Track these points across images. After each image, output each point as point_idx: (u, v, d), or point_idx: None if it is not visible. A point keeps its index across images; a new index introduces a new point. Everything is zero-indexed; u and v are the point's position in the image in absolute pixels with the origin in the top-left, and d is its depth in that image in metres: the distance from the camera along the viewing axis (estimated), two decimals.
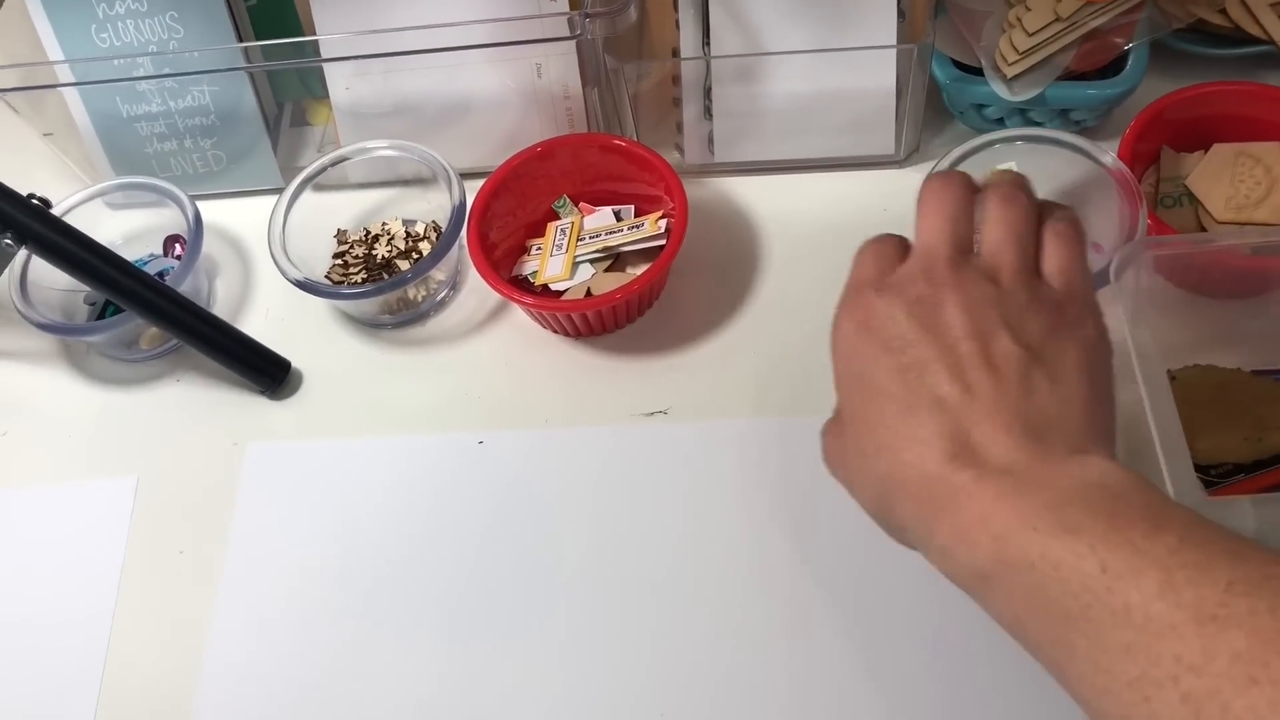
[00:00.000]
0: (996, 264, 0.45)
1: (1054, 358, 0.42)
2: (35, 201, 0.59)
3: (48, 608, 0.61)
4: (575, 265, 0.66)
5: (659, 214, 0.66)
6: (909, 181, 0.69)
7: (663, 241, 0.65)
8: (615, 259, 0.67)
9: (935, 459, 0.40)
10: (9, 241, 0.58)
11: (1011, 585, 0.37)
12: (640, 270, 0.65)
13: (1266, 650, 0.31)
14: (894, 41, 0.65)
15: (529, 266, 0.67)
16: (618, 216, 0.68)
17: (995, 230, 0.46)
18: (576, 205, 0.69)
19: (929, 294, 0.43)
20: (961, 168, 0.62)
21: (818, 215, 0.69)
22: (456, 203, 0.65)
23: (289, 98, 0.77)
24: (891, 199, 0.69)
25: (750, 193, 0.71)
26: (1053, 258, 0.46)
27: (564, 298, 0.65)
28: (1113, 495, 0.37)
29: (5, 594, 0.62)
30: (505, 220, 0.67)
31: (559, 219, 0.69)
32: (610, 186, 0.68)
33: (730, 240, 0.69)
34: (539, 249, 0.68)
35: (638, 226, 0.66)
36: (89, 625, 0.60)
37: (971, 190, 0.48)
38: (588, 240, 0.67)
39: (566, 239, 0.67)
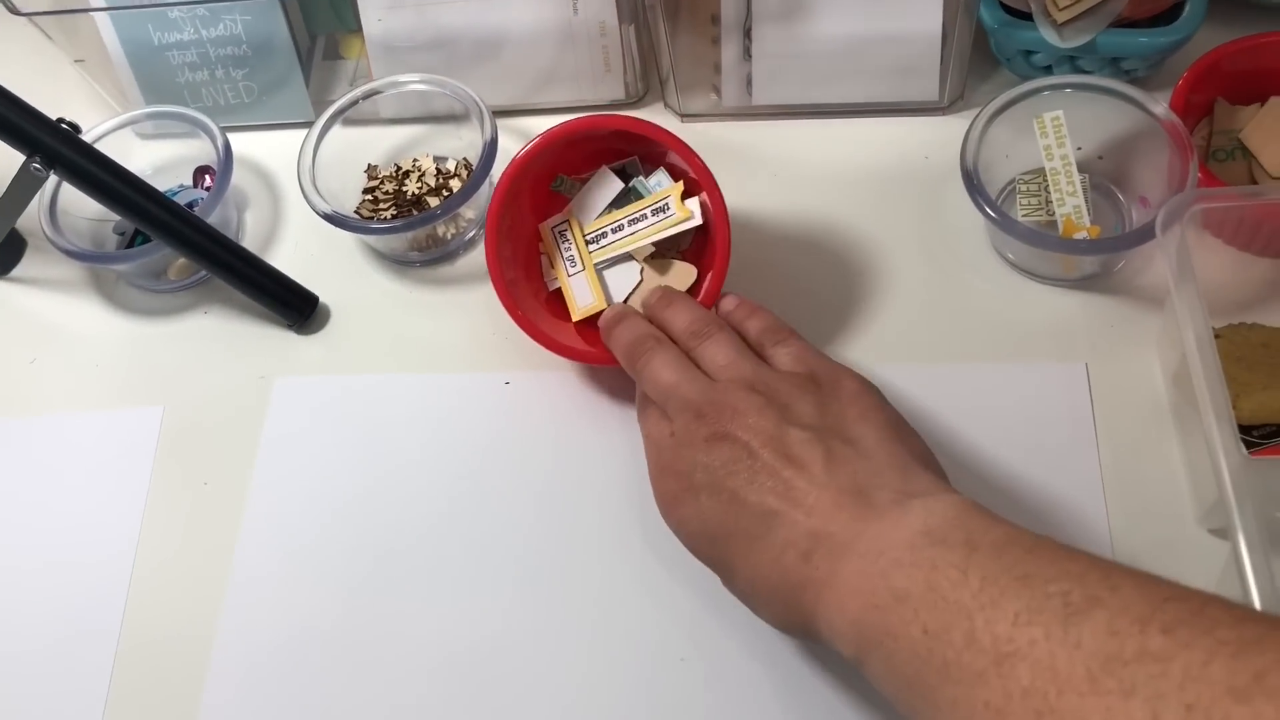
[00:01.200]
0: (737, 375, 0.49)
1: (837, 424, 0.46)
2: (64, 126, 0.59)
3: (72, 536, 0.61)
4: (600, 275, 0.61)
5: (679, 189, 0.60)
6: (953, 129, 0.67)
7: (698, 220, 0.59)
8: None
9: (793, 568, 0.43)
10: (38, 166, 0.58)
11: (872, 665, 0.39)
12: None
13: (1044, 679, 0.33)
14: None
15: (552, 277, 0.63)
16: (627, 188, 0.62)
17: (714, 352, 0.51)
18: (577, 179, 0.64)
19: (713, 431, 0.47)
20: (1008, 114, 0.61)
21: (857, 162, 0.67)
22: (488, 139, 0.64)
23: (322, 30, 0.75)
24: (934, 147, 0.67)
25: (788, 137, 0.69)
26: (785, 357, 0.51)
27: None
28: (934, 541, 0.39)
29: (31, 520, 0.62)
30: (518, 232, 0.62)
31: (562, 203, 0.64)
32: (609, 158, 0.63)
33: (766, 186, 0.68)
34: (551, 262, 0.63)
35: (662, 211, 0.60)
36: (113, 554, 0.60)
37: (641, 315, 0.56)
38: (603, 239, 0.61)
39: (573, 246, 0.62)
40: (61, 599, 0.59)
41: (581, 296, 0.61)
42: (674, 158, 0.61)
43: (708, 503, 0.46)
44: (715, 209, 0.58)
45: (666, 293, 0.57)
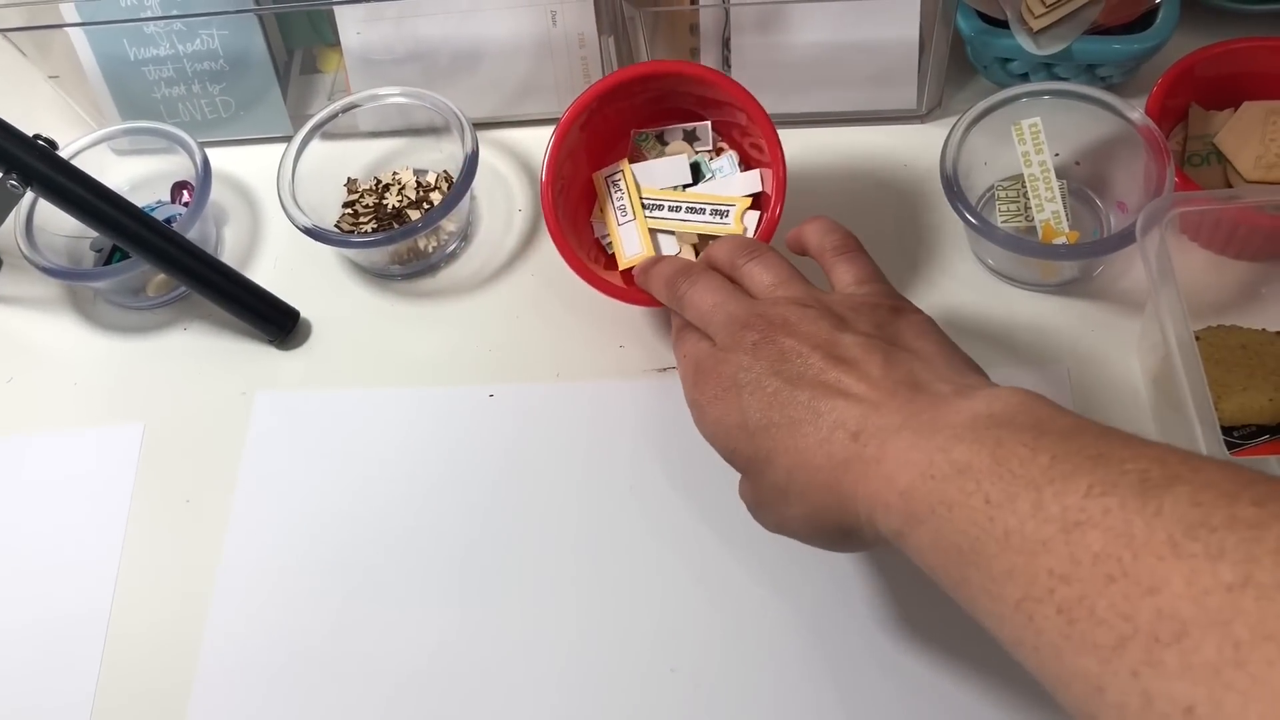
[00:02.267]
0: (787, 294, 0.48)
1: (895, 335, 0.45)
2: (40, 142, 0.58)
3: (52, 556, 0.60)
4: (653, 235, 0.62)
5: (746, 204, 0.61)
6: (931, 137, 0.68)
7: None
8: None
9: (840, 447, 0.41)
10: (14, 184, 0.57)
11: (920, 535, 0.38)
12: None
13: (1118, 544, 0.31)
14: None
15: (601, 229, 0.64)
16: (698, 166, 0.63)
17: (759, 272, 0.49)
18: (656, 139, 0.65)
19: (760, 338, 0.45)
20: (985, 122, 0.61)
21: (837, 169, 0.68)
22: (469, 152, 0.64)
23: (299, 44, 0.75)
24: (912, 155, 0.67)
25: None
26: (846, 273, 0.49)
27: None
28: (998, 423, 0.37)
29: (10, 541, 0.61)
30: (574, 175, 0.63)
31: (637, 159, 0.64)
32: (698, 115, 0.64)
33: None
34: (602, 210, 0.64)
35: (721, 215, 0.61)
36: (94, 572, 0.59)
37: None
38: (658, 210, 0.62)
39: (625, 196, 0.63)
40: (43, 619, 0.59)
41: (630, 245, 0.62)
42: (740, 118, 0.61)
43: (750, 398, 0.44)
44: (776, 181, 0.59)
45: (746, 240, 0.54)
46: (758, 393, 0.44)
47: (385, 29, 0.69)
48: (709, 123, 0.64)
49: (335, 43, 0.72)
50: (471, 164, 0.64)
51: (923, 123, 0.69)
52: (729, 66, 0.67)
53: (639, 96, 0.63)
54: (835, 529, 0.43)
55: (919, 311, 0.47)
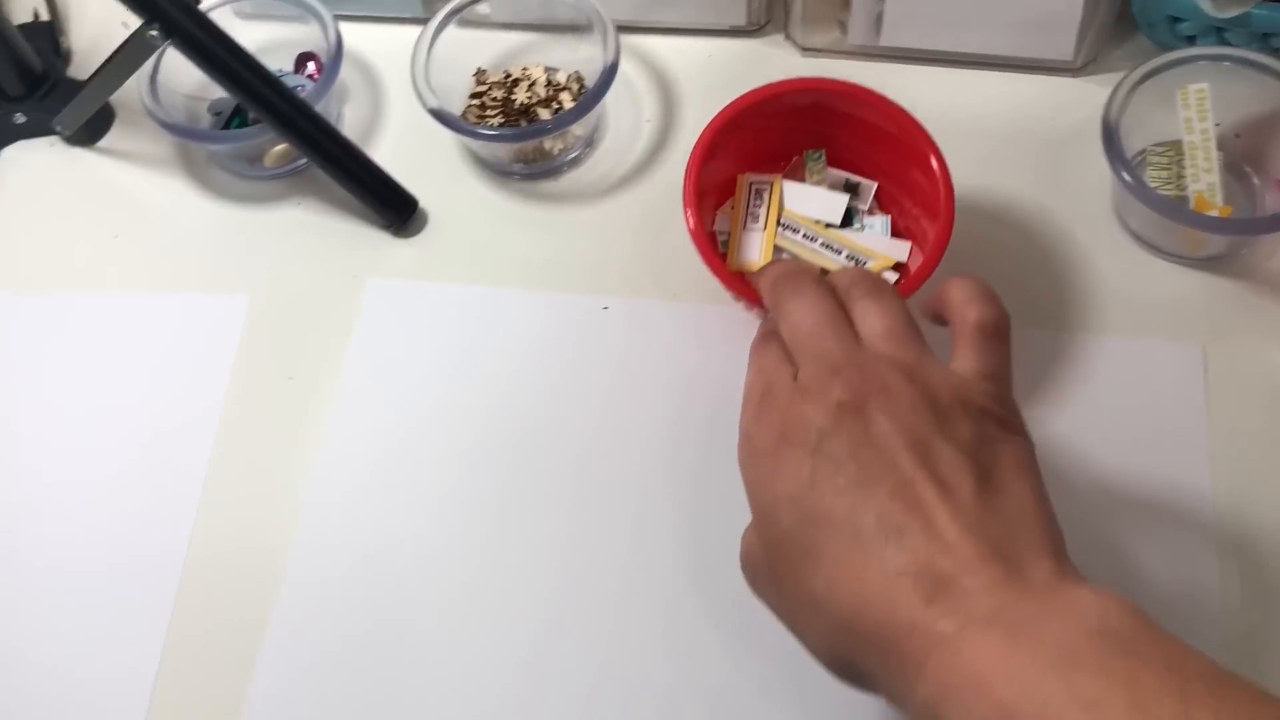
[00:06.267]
0: (896, 353, 0.41)
1: (993, 464, 0.38)
2: None
3: (151, 416, 0.60)
4: (777, 251, 0.59)
5: (889, 264, 0.58)
6: (1082, 92, 0.66)
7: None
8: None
9: (908, 603, 0.35)
10: (155, 34, 0.55)
11: None
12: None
13: None
14: None
15: (722, 223, 0.61)
16: (850, 212, 0.60)
17: (876, 313, 0.42)
18: (823, 163, 0.61)
19: (849, 400, 0.39)
20: (1151, 84, 0.59)
21: (982, 116, 0.65)
22: (611, 58, 0.62)
23: None
24: (1062, 110, 0.65)
25: (911, 82, 0.66)
26: (973, 358, 0.41)
27: None
28: (1122, 649, 0.32)
29: (109, 397, 0.61)
30: (723, 165, 0.59)
31: (794, 176, 0.61)
32: (871, 154, 0.60)
33: None
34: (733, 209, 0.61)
35: (858, 263, 0.57)
36: (191, 436, 0.59)
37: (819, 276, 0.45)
38: (793, 233, 0.58)
39: (764, 206, 0.60)
40: (139, 478, 0.58)
41: (749, 250, 0.59)
42: (916, 176, 0.57)
43: (816, 474, 0.38)
44: (934, 246, 0.54)
45: (871, 274, 0.47)
46: (829, 473, 0.38)
47: None
48: (875, 185, 0.60)
49: None
50: (611, 71, 0.62)
51: (1074, 76, 0.66)
52: None
53: (819, 109, 0.59)
54: (860, 672, 0.38)
55: (1025, 436, 0.40)
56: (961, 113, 0.66)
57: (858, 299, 0.43)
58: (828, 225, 0.60)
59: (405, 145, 0.68)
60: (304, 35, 0.68)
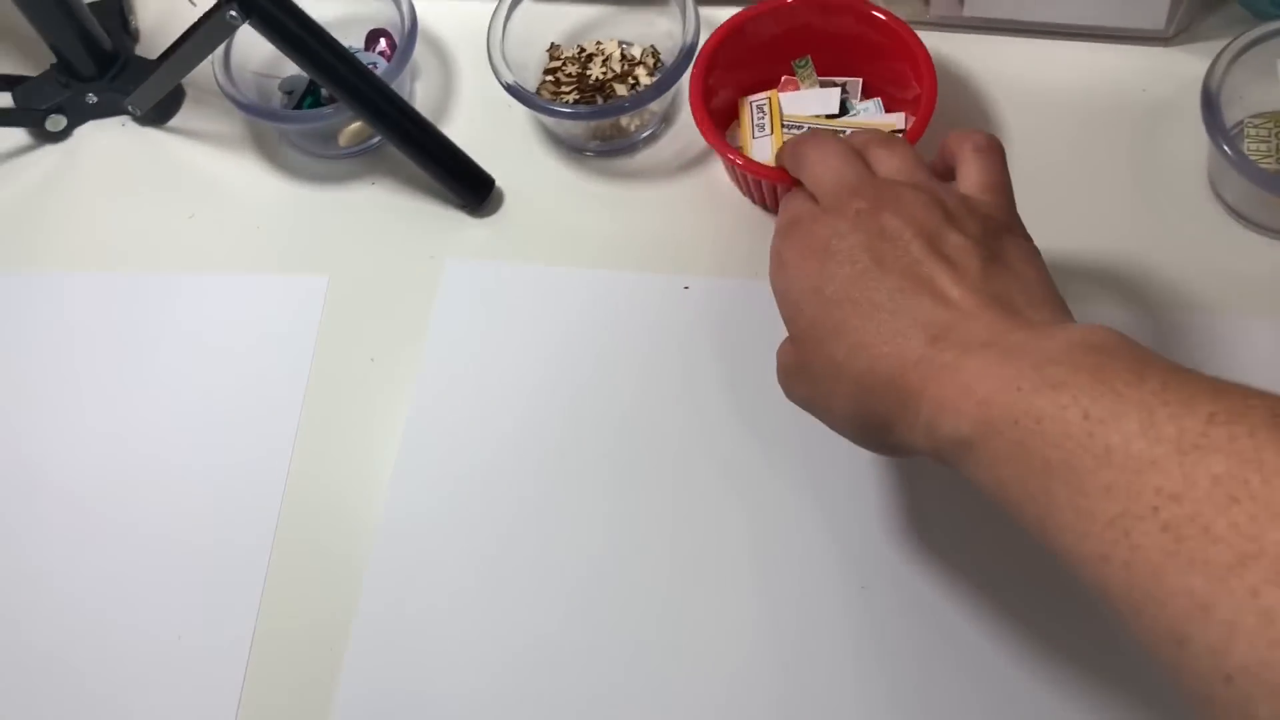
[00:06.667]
0: (908, 178, 0.45)
1: (999, 251, 0.42)
2: None
3: (234, 398, 0.60)
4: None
5: (893, 128, 0.61)
6: (1174, 62, 0.64)
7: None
8: None
9: (916, 345, 0.39)
10: (234, 14, 0.55)
11: (994, 446, 0.36)
12: None
13: (1246, 469, 0.30)
14: None
15: (733, 142, 0.63)
16: (844, 103, 0.62)
17: (888, 155, 0.47)
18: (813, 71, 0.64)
19: (866, 207, 0.43)
20: (1250, 55, 0.57)
21: (1069, 88, 0.64)
22: (690, 39, 0.61)
23: None
24: (1152, 80, 0.63)
25: (996, 53, 0.65)
26: (974, 173, 0.46)
27: None
28: (1096, 350, 0.36)
29: (191, 379, 0.61)
30: (728, 73, 0.62)
31: (791, 84, 0.63)
32: (851, 56, 0.63)
33: (969, 105, 0.64)
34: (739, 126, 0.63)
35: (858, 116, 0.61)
36: (276, 420, 0.59)
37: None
38: (799, 129, 0.61)
39: (767, 116, 0.62)
40: (223, 464, 0.58)
41: (761, 155, 0.61)
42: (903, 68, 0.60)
43: (836, 268, 0.42)
44: (923, 95, 0.58)
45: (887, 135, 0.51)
46: (845, 265, 0.42)
47: None
48: (860, 80, 0.63)
49: None
50: (691, 49, 0.61)
51: (1166, 46, 0.64)
52: None
53: (801, 20, 0.62)
54: (879, 422, 0.41)
55: (1029, 239, 0.45)
56: (1048, 85, 0.64)
57: (872, 149, 0.48)
58: (828, 117, 0.62)
59: (478, 122, 0.67)
60: (373, 10, 0.67)
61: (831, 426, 0.44)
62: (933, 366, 0.39)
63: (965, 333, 0.39)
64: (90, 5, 0.68)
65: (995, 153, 0.47)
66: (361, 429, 0.58)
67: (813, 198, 0.47)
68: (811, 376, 0.44)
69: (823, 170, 0.47)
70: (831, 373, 0.42)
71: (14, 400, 0.61)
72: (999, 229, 0.43)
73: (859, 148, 0.48)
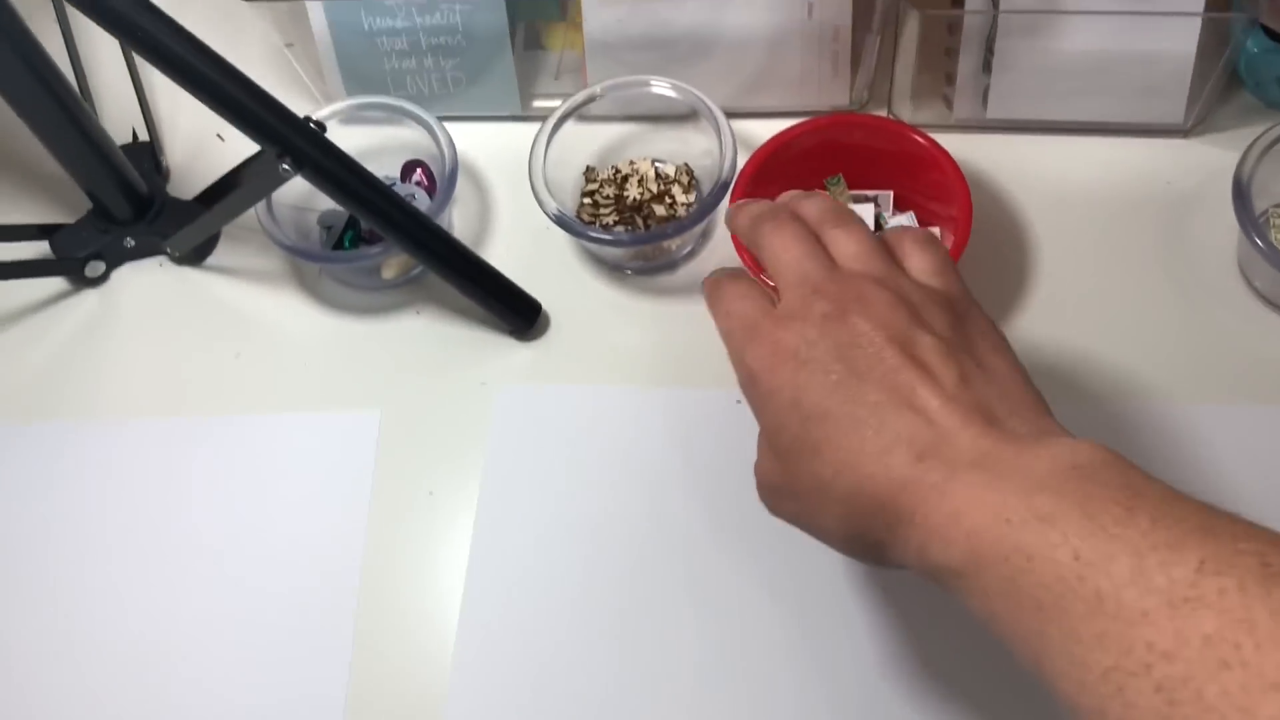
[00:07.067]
0: (867, 269, 0.44)
1: (969, 344, 0.42)
2: (312, 125, 0.56)
3: (296, 541, 0.60)
4: None
5: None
6: (1194, 154, 0.66)
7: None
8: None
9: (902, 464, 0.39)
10: (287, 168, 0.55)
11: (986, 581, 0.36)
12: None
13: (1237, 631, 0.30)
14: (1202, 9, 0.61)
15: None
16: (878, 220, 0.64)
17: (845, 239, 0.46)
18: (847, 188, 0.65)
19: (831, 310, 0.42)
20: (1278, 148, 0.59)
21: (1093, 183, 0.66)
22: (729, 160, 0.62)
23: (524, 17, 0.73)
24: (1176, 172, 0.65)
25: (1020, 153, 0.67)
26: (921, 261, 0.46)
27: None
28: (1085, 477, 0.36)
29: (252, 525, 0.61)
30: (764, 191, 0.62)
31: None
32: (880, 170, 0.64)
33: (995, 204, 0.66)
34: None
35: None
36: (339, 561, 0.59)
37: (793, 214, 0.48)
38: None
39: None
40: (287, 609, 0.58)
41: None
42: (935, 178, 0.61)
43: (810, 378, 0.41)
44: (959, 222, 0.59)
45: (840, 206, 0.50)
46: (819, 374, 0.41)
47: (622, 9, 0.66)
48: (890, 193, 0.65)
49: (560, 18, 0.70)
50: (731, 169, 0.62)
51: (1185, 138, 0.66)
52: (989, 70, 0.65)
53: (832, 136, 0.64)
54: (872, 541, 0.41)
55: (988, 319, 0.45)
56: (1073, 180, 0.66)
57: (829, 229, 0.47)
58: None
59: (516, 246, 0.68)
60: (404, 137, 0.68)
61: (824, 542, 0.44)
62: (920, 488, 0.38)
63: (950, 451, 0.38)
64: (123, 148, 0.69)
65: (935, 242, 0.47)
66: (427, 565, 0.59)
67: (762, 293, 0.46)
68: (796, 493, 0.43)
69: (783, 256, 0.46)
70: (818, 491, 0.41)
71: (71, 550, 0.61)
72: (962, 315, 0.44)
73: (815, 226, 0.47)
